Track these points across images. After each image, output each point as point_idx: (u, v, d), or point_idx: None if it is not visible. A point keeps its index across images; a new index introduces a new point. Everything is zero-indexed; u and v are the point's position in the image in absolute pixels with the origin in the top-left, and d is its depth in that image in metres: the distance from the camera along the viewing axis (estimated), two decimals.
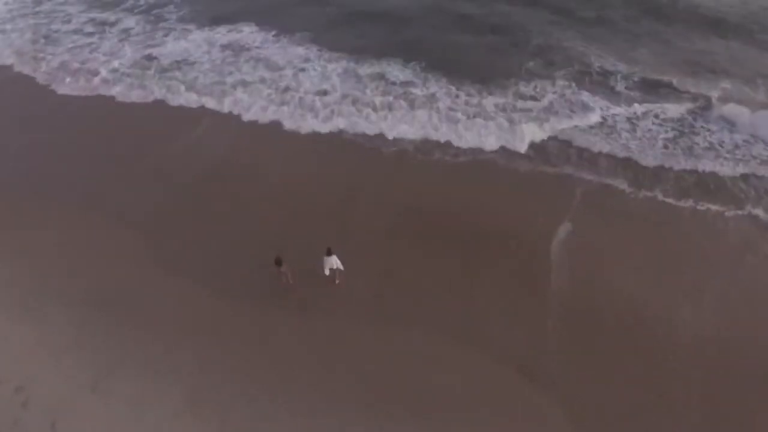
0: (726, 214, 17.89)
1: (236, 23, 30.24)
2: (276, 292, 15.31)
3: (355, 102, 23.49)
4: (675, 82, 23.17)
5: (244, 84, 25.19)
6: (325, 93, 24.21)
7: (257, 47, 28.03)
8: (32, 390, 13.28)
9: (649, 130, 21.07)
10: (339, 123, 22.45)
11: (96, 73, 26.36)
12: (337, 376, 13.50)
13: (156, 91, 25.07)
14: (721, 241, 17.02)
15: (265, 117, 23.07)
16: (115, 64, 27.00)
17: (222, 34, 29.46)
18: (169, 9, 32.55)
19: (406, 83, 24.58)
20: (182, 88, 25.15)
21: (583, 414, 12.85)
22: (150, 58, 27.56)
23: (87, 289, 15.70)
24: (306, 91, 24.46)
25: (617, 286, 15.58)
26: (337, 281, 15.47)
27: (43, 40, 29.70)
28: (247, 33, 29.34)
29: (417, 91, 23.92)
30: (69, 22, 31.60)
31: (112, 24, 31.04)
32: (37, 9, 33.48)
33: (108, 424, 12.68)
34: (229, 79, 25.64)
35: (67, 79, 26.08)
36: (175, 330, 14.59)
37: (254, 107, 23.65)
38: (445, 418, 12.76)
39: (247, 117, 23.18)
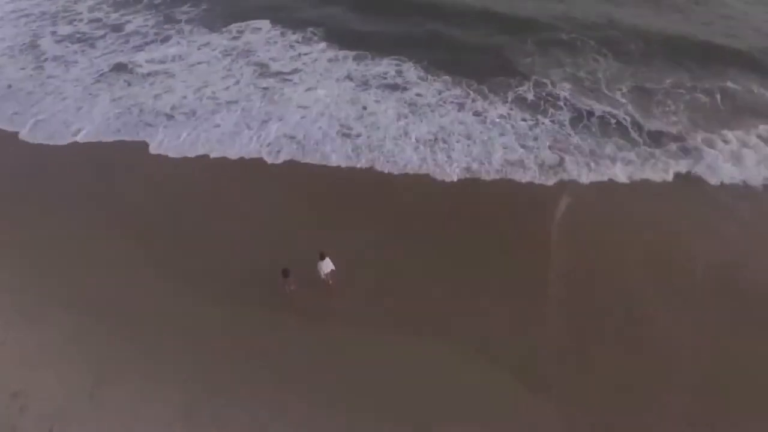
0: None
1: (248, 22, 29.31)
2: (275, 300, 15.22)
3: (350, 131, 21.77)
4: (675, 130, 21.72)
5: (228, 106, 23.16)
6: (322, 114, 22.65)
7: (263, 51, 26.87)
8: (30, 396, 13.25)
9: None
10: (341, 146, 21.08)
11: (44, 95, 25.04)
12: (334, 383, 13.44)
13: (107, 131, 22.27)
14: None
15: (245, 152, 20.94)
16: (69, 88, 25.46)
17: (228, 37, 28.37)
18: (183, 9, 31.41)
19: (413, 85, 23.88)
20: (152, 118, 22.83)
21: (581, 420, 12.74)
22: (126, 69, 26.24)
23: (85, 294, 15.72)
24: (300, 104, 23.15)
25: (616, 291, 15.47)
26: (330, 282, 15.50)
27: (24, 46, 29.13)
28: (256, 35, 28.35)
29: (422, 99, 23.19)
30: (71, 23, 30.92)
31: (116, 27, 30.20)
32: (45, 9, 32.66)
33: None
34: (208, 95, 23.82)
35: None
36: (173, 337, 14.58)
37: (236, 144, 21.28)
38: (440, 423, 12.69)
39: (216, 155, 20.86)
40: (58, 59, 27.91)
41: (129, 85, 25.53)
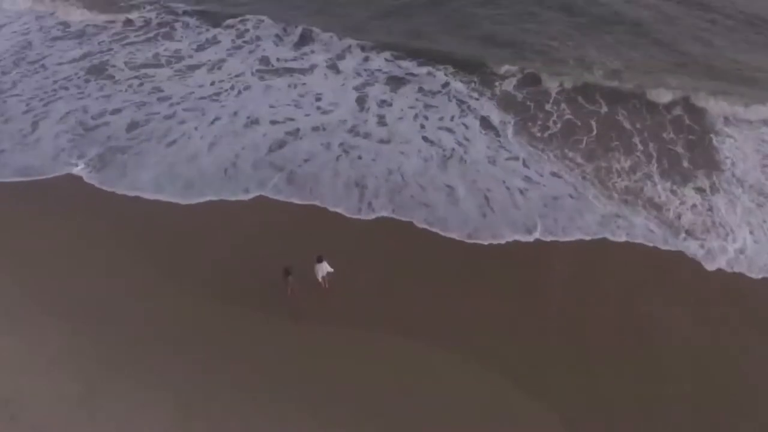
0: None
1: (255, 16, 28.60)
2: (269, 304, 15.20)
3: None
4: None
5: (210, 118, 21.06)
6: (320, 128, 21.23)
7: (267, 50, 26.05)
8: (21, 404, 13.23)
9: None
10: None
11: None
12: (329, 390, 13.45)
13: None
14: None
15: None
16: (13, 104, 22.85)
17: (234, 33, 27.51)
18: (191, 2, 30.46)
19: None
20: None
21: (581, 427, 12.66)
22: (104, 74, 24.16)
23: (77, 300, 15.71)
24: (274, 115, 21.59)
25: (616, 296, 15.49)
26: (326, 285, 15.53)
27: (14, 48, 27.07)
28: (262, 31, 27.56)
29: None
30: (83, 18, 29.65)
31: (127, 20, 29.30)
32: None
33: None
34: (186, 107, 21.64)
35: None
36: (165, 343, 14.59)
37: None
38: (438, 427, 12.68)
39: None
40: (32, 64, 25.80)
41: (101, 89, 23.42)
